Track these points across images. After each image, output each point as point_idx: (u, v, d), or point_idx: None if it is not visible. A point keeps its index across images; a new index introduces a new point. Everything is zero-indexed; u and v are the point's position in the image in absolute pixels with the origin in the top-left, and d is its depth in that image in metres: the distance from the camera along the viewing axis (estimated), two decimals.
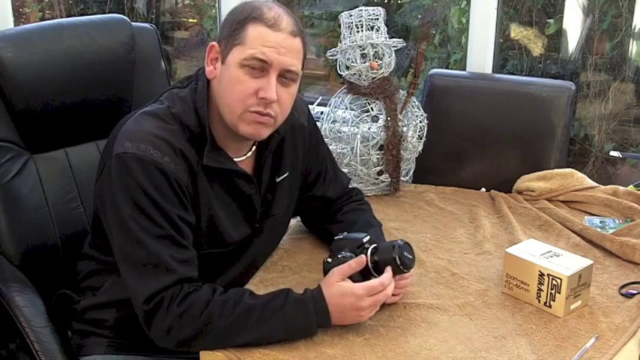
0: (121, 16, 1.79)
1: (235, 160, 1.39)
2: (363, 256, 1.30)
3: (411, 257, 1.32)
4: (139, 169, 1.26)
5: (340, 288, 1.28)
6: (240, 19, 1.31)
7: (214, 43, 1.36)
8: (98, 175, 1.38)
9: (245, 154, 1.42)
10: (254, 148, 1.44)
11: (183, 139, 1.32)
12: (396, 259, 1.29)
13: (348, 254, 1.33)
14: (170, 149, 1.29)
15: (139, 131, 1.32)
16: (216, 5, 2.67)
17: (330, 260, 1.33)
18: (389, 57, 1.90)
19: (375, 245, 1.34)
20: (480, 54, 2.20)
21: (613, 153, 2.63)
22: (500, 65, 2.77)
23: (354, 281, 1.30)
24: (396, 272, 1.32)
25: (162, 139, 1.30)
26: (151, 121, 1.33)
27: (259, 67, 1.29)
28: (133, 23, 1.78)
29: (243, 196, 1.41)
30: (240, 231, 1.43)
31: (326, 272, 1.34)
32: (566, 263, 1.37)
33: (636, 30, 2.70)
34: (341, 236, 1.40)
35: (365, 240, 1.36)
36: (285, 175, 1.50)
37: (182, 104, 1.36)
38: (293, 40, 1.31)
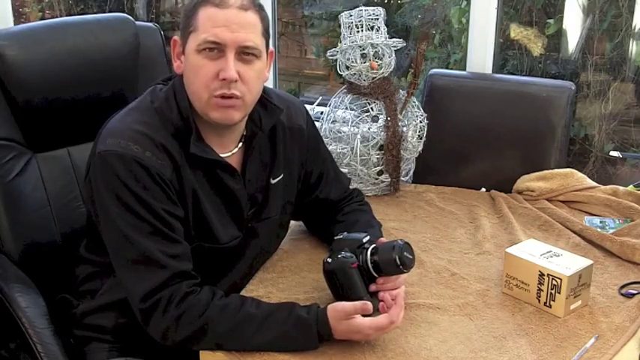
0: (125, 15, 1.79)
1: (222, 155, 1.38)
2: (370, 303, 1.27)
3: (411, 257, 1.31)
4: (121, 166, 1.26)
5: (348, 326, 1.25)
6: (191, 7, 1.31)
7: (176, 37, 1.36)
8: (85, 174, 1.39)
9: (231, 151, 1.41)
10: (240, 144, 1.43)
11: (166, 133, 1.32)
12: (396, 259, 1.29)
13: (348, 254, 1.32)
14: (151, 144, 1.29)
15: (120, 128, 1.32)
16: None
17: (329, 260, 1.33)
18: (389, 57, 1.90)
19: (374, 245, 1.34)
20: (480, 54, 2.20)
21: (613, 153, 2.64)
22: (500, 65, 2.77)
23: (355, 282, 1.30)
24: (396, 272, 1.32)
25: (143, 134, 1.29)
26: (132, 117, 1.34)
27: (215, 48, 1.28)
28: (136, 22, 1.79)
29: (227, 191, 1.40)
30: (229, 230, 1.41)
31: (326, 272, 1.34)
32: (566, 263, 1.37)
33: (636, 30, 2.70)
34: (341, 236, 1.39)
35: (365, 240, 1.35)
36: (280, 177, 1.49)
37: (164, 99, 1.36)
38: (245, 15, 1.29)
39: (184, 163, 1.33)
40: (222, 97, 1.29)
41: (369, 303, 1.26)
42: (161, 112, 1.34)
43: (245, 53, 1.30)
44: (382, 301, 1.31)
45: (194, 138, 1.33)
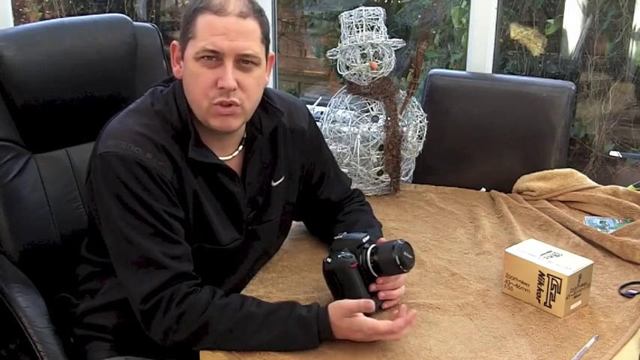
0: (123, 15, 1.79)
1: (222, 158, 1.38)
2: (372, 301, 1.27)
3: (410, 257, 1.32)
4: (122, 168, 1.26)
5: (350, 324, 1.25)
6: (190, 12, 1.30)
7: (175, 42, 1.35)
8: (87, 175, 1.39)
9: (231, 154, 1.41)
10: (241, 147, 1.43)
11: (166, 135, 1.32)
12: (395, 259, 1.29)
13: (348, 254, 1.33)
14: (152, 145, 1.29)
15: (121, 129, 1.32)
16: None
17: (329, 260, 1.33)
18: (389, 57, 1.90)
19: (374, 245, 1.34)
20: (480, 54, 2.20)
21: (613, 153, 2.64)
22: (500, 65, 2.76)
23: (355, 282, 1.30)
24: (396, 272, 1.32)
25: (144, 135, 1.29)
26: (132, 119, 1.33)
27: (213, 57, 1.27)
28: (134, 23, 1.78)
29: (227, 194, 1.39)
30: (228, 233, 1.41)
31: (325, 272, 1.34)
32: (566, 263, 1.37)
33: (636, 30, 2.70)
34: (341, 236, 1.39)
35: (365, 240, 1.36)
36: (281, 179, 1.49)
37: (164, 101, 1.35)
38: (243, 22, 1.27)
39: (185, 165, 1.33)
40: (222, 104, 1.29)
41: (371, 301, 1.27)
42: (161, 115, 1.34)
43: (244, 61, 1.29)
44: (384, 300, 1.31)
45: (192, 142, 1.32)
